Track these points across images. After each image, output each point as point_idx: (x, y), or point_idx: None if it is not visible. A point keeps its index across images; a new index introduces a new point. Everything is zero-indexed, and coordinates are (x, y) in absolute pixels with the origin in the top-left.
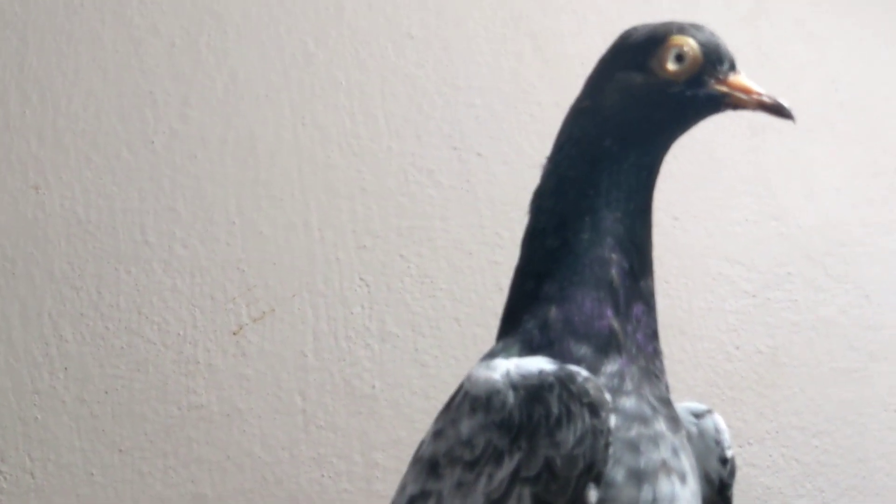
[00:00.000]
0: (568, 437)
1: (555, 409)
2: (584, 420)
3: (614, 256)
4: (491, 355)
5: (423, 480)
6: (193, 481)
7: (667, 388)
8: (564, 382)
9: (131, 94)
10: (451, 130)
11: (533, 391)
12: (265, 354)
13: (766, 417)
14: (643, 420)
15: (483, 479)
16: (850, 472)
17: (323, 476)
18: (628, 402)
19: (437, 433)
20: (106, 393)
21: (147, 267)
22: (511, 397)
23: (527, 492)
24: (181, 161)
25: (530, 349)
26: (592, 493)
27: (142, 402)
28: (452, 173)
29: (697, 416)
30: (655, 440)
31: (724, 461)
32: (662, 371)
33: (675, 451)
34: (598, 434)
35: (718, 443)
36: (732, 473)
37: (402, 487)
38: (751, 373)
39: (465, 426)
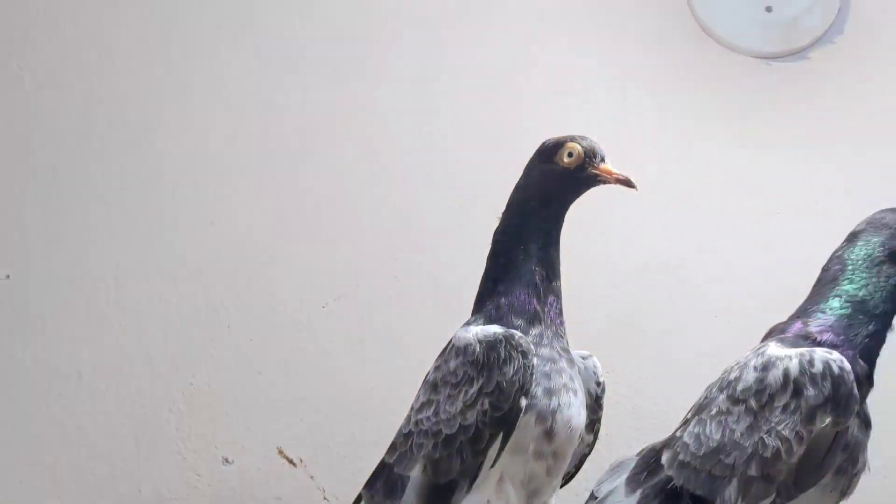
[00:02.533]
0: (510, 369)
1: (503, 354)
2: (518, 360)
3: (537, 269)
4: (467, 324)
5: (427, 394)
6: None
7: (567, 343)
8: (508, 339)
9: None
10: None
11: (490, 344)
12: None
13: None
14: (553, 361)
15: (462, 393)
16: None
17: None
18: (544, 351)
19: (436, 367)
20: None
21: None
22: (478, 347)
23: (486, 400)
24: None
25: (489, 321)
26: (523, 401)
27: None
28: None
29: (584, 358)
30: (560, 372)
31: (598, 383)
32: (564, 334)
33: (571, 378)
34: (527, 368)
35: (595, 373)
36: (603, 391)
37: (416, 398)
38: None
39: (452, 363)
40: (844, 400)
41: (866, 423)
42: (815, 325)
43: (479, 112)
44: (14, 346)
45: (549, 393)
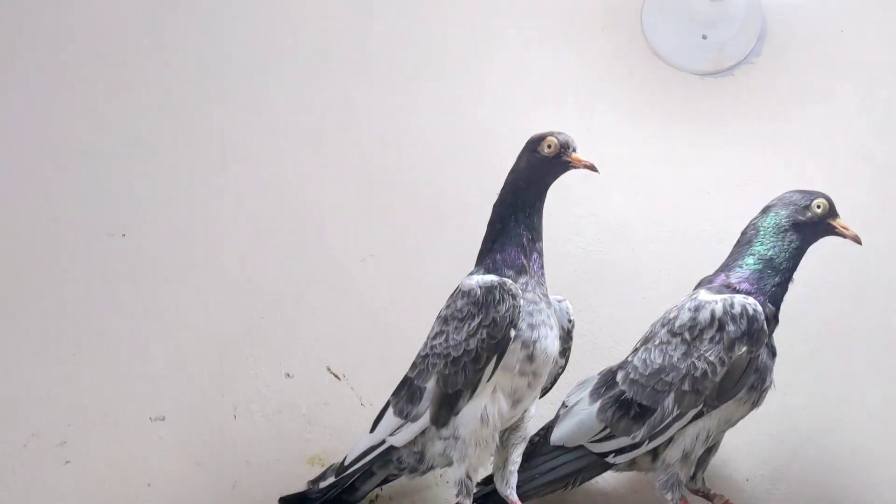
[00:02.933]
0: (502, 308)
1: (497, 296)
2: (509, 301)
3: (524, 233)
4: (471, 274)
5: (440, 326)
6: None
7: (546, 290)
8: (501, 285)
9: None
10: None
11: (488, 288)
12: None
13: None
14: (535, 303)
15: (466, 325)
16: None
17: None
18: (529, 295)
19: (447, 306)
20: None
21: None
22: (479, 291)
23: (484, 331)
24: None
25: (488, 272)
26: (512, 332)
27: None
28: None
29: (559, 301)
30: (540, 311)
31: (570, 321)
32: (544, 283)
33: (548, 316)
34: (515, 308)
35: (567, 313)
36: (573, 326)
37: (432, 329)
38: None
39: (459, 303)
40: (756, 334)
41: (773, 352)
42: (734, 277)
43: (481, 113)
44: (129, 292)
45: (532, 327)
